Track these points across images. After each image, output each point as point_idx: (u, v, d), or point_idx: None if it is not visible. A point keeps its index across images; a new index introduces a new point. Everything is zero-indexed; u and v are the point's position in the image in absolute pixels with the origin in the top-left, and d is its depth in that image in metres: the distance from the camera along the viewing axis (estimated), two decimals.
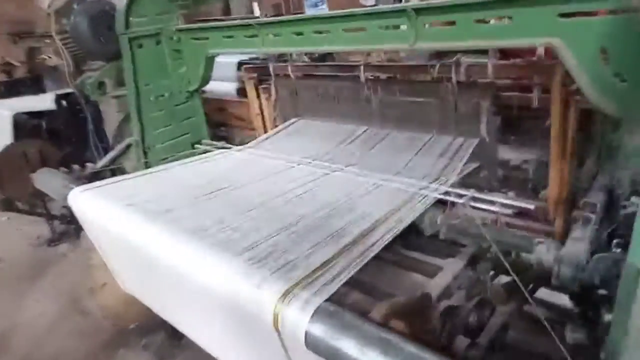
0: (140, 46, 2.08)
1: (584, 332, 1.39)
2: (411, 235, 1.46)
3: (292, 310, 0.84)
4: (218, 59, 2.35)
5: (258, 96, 2.30)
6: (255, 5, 6.03)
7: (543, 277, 1.70)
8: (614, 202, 1.41)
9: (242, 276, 0.95)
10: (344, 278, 0.92)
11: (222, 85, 3.42)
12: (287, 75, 2.09)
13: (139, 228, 1.26)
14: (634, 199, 1.52)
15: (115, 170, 2.26)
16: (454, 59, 1.50)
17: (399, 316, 1.01)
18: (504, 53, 1.52)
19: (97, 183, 1.61)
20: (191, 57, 2.16)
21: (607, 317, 1.49)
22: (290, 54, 2.14)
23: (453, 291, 1.39)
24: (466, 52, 1.49)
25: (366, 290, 1.49)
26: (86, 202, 1.50)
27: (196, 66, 2.15)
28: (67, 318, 2.92)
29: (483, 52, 1.48)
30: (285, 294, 0.87)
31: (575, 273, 1.14)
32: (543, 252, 1.35)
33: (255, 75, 2.30)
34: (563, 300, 1.79)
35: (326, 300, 0.85)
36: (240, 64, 3.96)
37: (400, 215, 1.17)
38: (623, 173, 1.46)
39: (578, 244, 1.16)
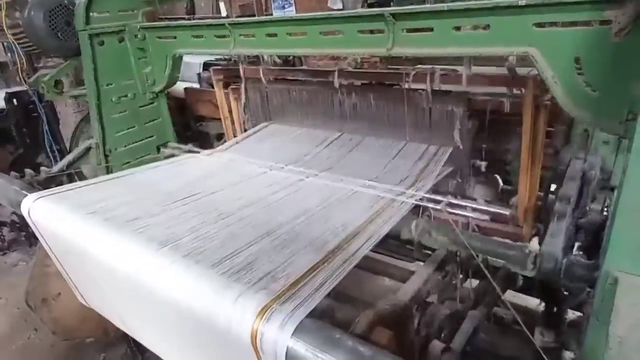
0: (102, 43, 1.96)
1: (552, 335, 1.42)
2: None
3: (271, 327, 0.79)
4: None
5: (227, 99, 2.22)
6: (222, 5, 5.92)
7: (511, 279, 1.75)
8: (582, 193, 1.45)
9: (218, 290, 0.90)
10: (326, 290, 0.89)
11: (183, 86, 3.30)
12: (259, 79, 2.03)
13: (101, 238, 1.17)
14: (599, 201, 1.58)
15: (72, 175, 2.12)
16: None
17: (385, 324, 0.98)
18: None
19: (54, 189, 1.49)
20: (157, 56, 2.06)
21: (571, 315, 1.54)
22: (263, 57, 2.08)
23: (424, 295, 1.39)
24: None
25: (336, 295, 1.47)
26: (41, 210, 1.38)
27: (162, 66, 2.06)
28: (19, 332, 2.72)
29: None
30: (264, 310, 0.82)
31: (555, 266, 1.15)
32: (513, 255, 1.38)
33: (222, 77, 2.20)
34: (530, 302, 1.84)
35: (308, 315, 0.81)
36: (205, 65, 3.85)
37: (381, 222, 1.14)
38: (594, 159, 1.50)
39: (556, 239, 1.18)
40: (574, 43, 1.05)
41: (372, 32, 1.33)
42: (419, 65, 2.65)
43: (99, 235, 1.19)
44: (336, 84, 1.75)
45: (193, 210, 1.30)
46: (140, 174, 1.66)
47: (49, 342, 2.51)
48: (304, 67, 2.13)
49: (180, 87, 3.34)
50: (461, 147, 1.55)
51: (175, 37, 1.95)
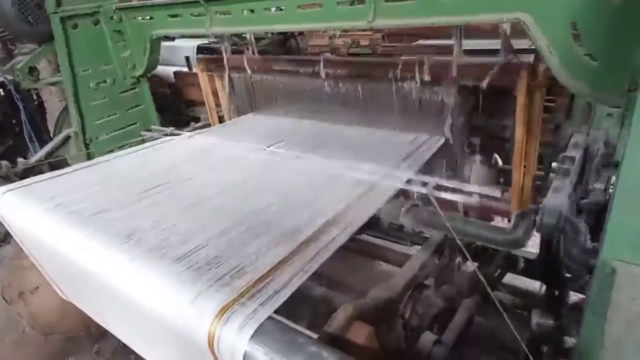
0: (75, 27, 1.87)
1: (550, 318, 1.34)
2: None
3: (229, 329, 0.72)
4: (174, 43, 2.13)
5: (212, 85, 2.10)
6: None
7: (512, 261, 1.66)
8: (585, 170, 1.35)
9: (177, 288, 0.82)
10: (294, 285, 0.81)
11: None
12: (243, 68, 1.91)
13: (64, 234, 1.10)
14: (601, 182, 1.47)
15: (57, 164, 2.05)
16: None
17: (366, 319, 0.91)
18: None
19: (24, 181, 1.42)
20: (135, 39, 1.96)
21: (573, 298, 1.46)
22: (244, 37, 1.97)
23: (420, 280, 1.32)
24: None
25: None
26: (10, 204, 1.32)
27: (141, 49, 1.96)
28: (13, 325, 2.69)
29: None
30: (223, 310, 0.75)
31: (557, 222, 1.05)
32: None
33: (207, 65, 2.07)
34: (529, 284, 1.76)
35: (270, 316, 0.74)
36: (199, 49, 3.72)
37: (360, 208, 1.06)
38: (597, 134, 1.39)
39: (559, 194, 1.08)
40: (571, 7, 0.94)
41: (352, 3, 1.23)
42: (418, 42, 2.52)
43: (63, 230, 1.12)
44: (322, 75, 1.63)
45: (165, 198, 1.23)
46: (116, 160, 1.58)
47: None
48: (290, 57, 2.00)
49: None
50: (451, 141, 1.46)
51: (151, 18, 1.85)
